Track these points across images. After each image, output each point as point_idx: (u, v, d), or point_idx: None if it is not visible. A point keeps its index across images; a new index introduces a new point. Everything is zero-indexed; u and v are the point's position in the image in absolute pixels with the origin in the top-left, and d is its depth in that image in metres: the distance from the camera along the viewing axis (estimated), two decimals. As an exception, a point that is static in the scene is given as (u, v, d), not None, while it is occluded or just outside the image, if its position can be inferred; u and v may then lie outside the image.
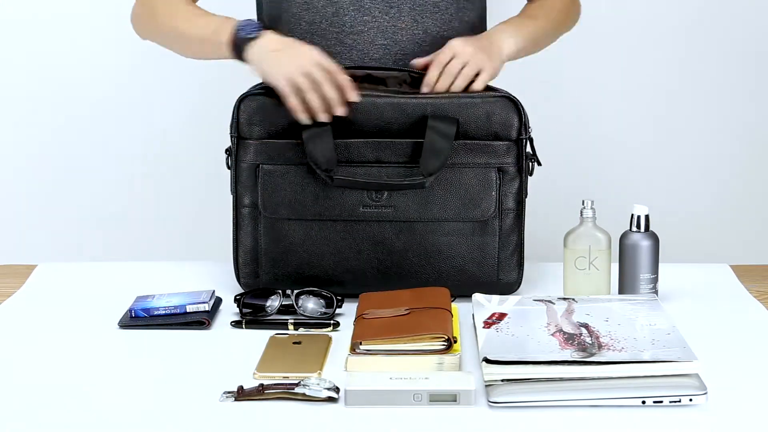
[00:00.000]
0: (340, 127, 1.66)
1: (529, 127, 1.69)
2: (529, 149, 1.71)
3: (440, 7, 1.81)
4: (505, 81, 1.91)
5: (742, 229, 2.95)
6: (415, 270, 1.70)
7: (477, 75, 1.71)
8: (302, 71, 1.65)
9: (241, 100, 1.69)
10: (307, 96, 1.65)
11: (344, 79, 1.66)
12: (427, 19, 1.80)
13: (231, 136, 1.71)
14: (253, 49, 1.68)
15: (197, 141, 2.88)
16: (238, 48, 1.69)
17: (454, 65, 1.70)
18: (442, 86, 1.69)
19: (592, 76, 2.90)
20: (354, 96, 1.66)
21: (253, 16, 1.92)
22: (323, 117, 1.65)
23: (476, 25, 1.86)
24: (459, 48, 1.71)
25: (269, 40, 1.69)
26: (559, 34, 1.95)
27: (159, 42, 1.89)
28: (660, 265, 1.69)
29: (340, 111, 1.65)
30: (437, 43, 1.77)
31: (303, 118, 1.66)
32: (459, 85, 1.70)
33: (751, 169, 2.95)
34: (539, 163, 1.71)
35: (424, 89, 1.70)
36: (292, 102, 1.65)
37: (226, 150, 1.73)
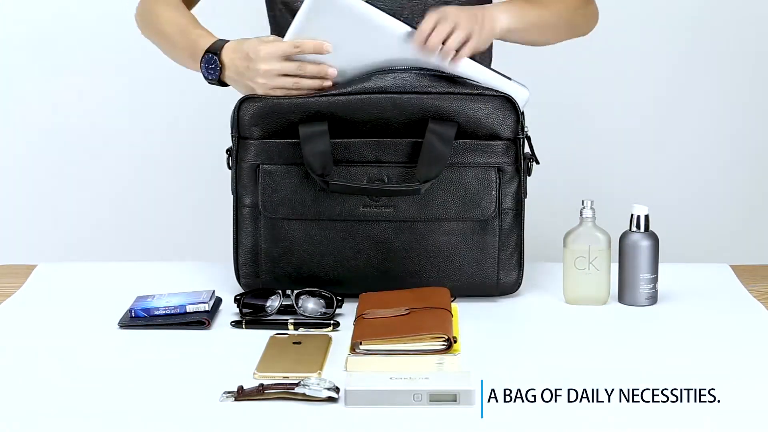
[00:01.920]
0: (339, 124, 1.66)
1: (525, 127, 1.69)
2: (527, 149, 1.71)
3: None
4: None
5: (742, 229, 2.95)
6: (415, 270, 1.69)
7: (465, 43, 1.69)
8: (274, 82, 1.68)
9: (242, 101, 1.69)
10: (294, 93, 1.68)
11: (313, 67, 1.68)
12: None
13: (232, 136, 1.71)
14: (225, 83, 1.75)
15: (197, 141, 2.88)
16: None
17: (443, 28, 1.66)
18: (433, 42, 1.66)
19: (592, 75, 2.90)
20: (332, 72, 1.68)
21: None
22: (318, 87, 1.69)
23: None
24: (452, 13, 1.68)
25: (227, 71, 1.73)
26: (569, 29, 1.90)
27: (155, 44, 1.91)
28: (660, 265, 1.68)
29: (327, 83, 1.68)
30: None
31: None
32: (450, 45, 1.66)
33: (751, 169, 2.96)
34: (537, 162, 1.71)
35: (415, 44, 1.66)
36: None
37: (227, 150, 1.73)
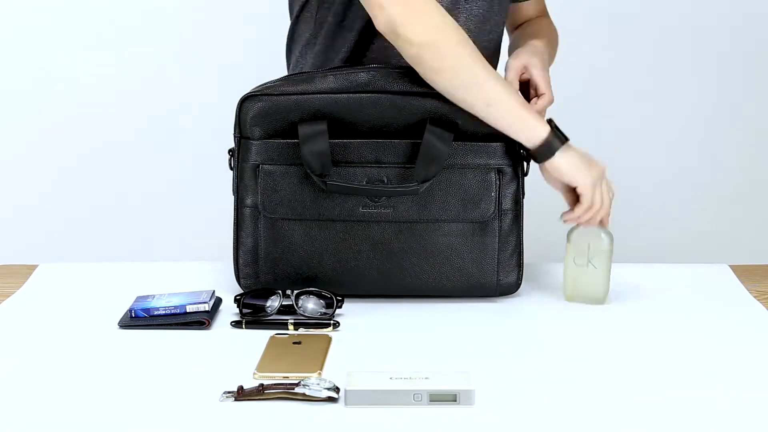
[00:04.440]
0: (338, 125, 1.66)
1: None
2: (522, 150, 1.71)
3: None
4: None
5: (742, 229, 2.95)
6: (415, 271, 1.70)
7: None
8: (600, 187, 1.67)
9: (243, 100, 1.69)
10: (587, 211, 1.68)
11: (608, 211, 1.70)
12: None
13: (234, 137, 1.71)
14: (564, 156, 1.66)
15: (197, 142, 2.89)
16: (548, 150, 1.66)
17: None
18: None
19: (591, 75, 2.90)
20: (605, 223, 1.70)
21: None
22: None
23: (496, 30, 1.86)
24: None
25: (577, 151, 1.67)
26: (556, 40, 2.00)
27: (449, 90, 1.66)
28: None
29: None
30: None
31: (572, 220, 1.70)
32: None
33: (751, 169, 2.96)
34: (534, 160, 1.71)
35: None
36: (583, 210, 1.68)
37: (229, 150, 1.73)
